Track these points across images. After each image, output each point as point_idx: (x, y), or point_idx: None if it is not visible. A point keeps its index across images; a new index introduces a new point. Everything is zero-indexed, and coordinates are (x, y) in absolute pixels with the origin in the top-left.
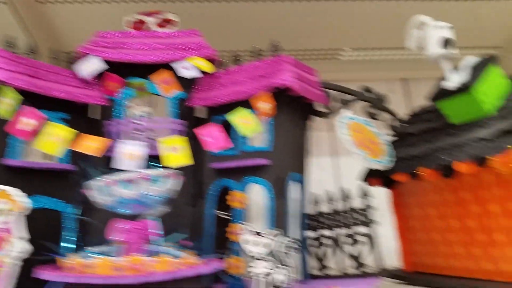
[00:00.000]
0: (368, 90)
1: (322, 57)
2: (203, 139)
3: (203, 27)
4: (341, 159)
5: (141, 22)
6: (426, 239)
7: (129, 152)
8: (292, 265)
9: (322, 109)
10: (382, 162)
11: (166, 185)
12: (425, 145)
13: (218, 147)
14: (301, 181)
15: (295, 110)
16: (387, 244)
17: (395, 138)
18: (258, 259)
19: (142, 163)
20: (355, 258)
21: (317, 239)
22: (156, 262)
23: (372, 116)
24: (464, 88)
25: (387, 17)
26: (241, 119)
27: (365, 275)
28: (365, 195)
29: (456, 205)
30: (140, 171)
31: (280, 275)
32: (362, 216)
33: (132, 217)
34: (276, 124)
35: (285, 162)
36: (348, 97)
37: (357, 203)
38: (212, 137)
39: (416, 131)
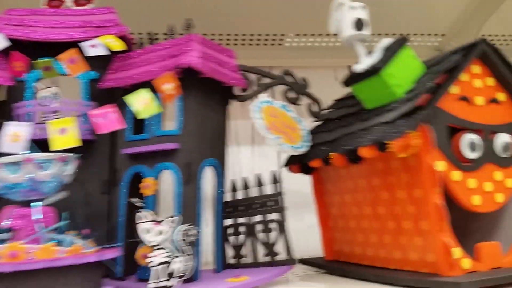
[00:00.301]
0: (289, 74)
1: (266, 42)
2: (95, 121)
3: (124, 6)
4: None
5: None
6: (344, 227)
7: (13, 134)
8: (191, 253)
9: (240, 93)
10: (297, 147)
11: (57, 169)
12: (340, 130)
13: (109, 129)
14: (218, 167)
15: (210, 93)
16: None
17: (317, 124)
18: (155, 247)
19: (28, 145)
20: (267, 246)
21: (234, 227)
22: (37, 250)
23: (292, 101)
24: (373, 71)
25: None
26: (138, 100)
27: (277, 263)
28: (276, 181)
29: (368, 191)
30: (25, 154)
31: (177, 264)
32: (272, 203)
33: (25, 203)
34: (186, 107)
35: (196, 147)
36: (268, 80)
37: (273, 189)
38: (104, 118)
39: (335, 117)
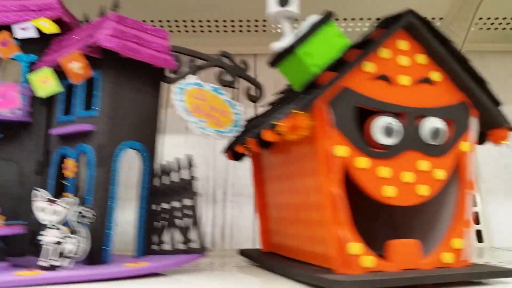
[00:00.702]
0: (225, 55)
1: (249, 29)
2: None
3: None
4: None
5: None
6: (276, 216)
7: None
8: (85, 235)
9: (170, 75)
10: (224, 132)
11: None
12: (269, 115)
13: (6, 108)
14: (144, 151)
15: (134, 75)
16: None
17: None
18: (49, 227)
19: None
20: (183, 233)
21: (156, 213)
22: None
23: (226, 84)
24: (289, 50)
25: None
26: (40, 79)
27: (189, 251)
28: (190, 166)
29: (286, 179)
30: None
31: (69, 244)
32: (187, 189)
33: None
34: (104, 88)
35: (110, 129)
36: (200, 62)
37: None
38: (3, 97)
39: (273, 101)
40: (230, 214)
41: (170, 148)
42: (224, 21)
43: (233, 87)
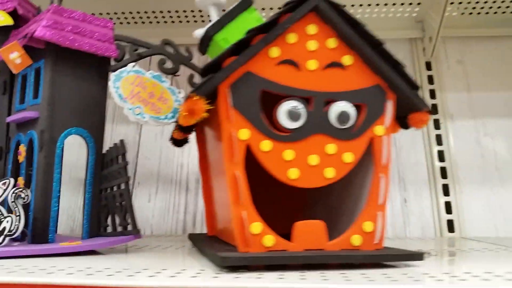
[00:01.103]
0: (168, 43)
1: None
2: None
3: None
4: None
5: None
6: (216, 200)
7: None
8: (21, 214)
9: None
10: (162, 119)
11: None
12: None
13: None
14: (89, 138)
15: (79, 64)
16: None
17: None
18: None
19: None
20: (119, 216)
21: (101, 196)
22: None
23: (167, 72)
24: (207, 36)
25: None
26: None
27: (124, 233)
28: (122, 150)
29: (216, 163)
30: None
31: (6, 223)
32: (121, 173)
33: None
34: (46, 76)
35: (56, 115)
36: (143, 50)
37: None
38: None
39: None
40: (202, 201)
41: (147, 138)
42: (169, 11)
43: (176, 75)
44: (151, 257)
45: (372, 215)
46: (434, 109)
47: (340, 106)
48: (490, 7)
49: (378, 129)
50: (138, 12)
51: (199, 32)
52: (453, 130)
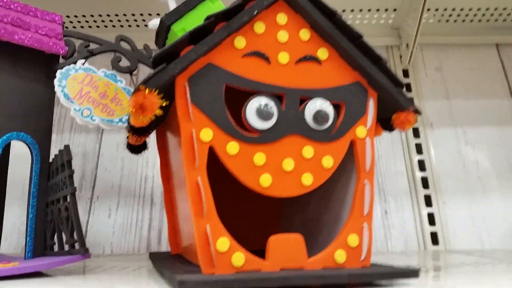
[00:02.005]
0: (124, 39)
1: None
2: None
3: None
4: None
5: None
6: (178, 214)
7: None
8: None
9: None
10: (114, 121)
11: None
12: None
13: None
14: (33, 144)
15: (21, 62)
16: None
17: None
18: None
19: None
20: (66, 233)
21: (47, 212)
22: None
23: (122, 70)
24: (164, 25)
25: None
26: None
27: (73, 252)
28: (68, 161)
29: (177, 170)
30: None
31: None
32: (65, 184)
33: None
34: None
35: None
36: (95, 47)
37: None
38: None
39: None
40: None
41: (108, 148)
42: (125, 14)
43: (132, 74)
44: (100, 280)
45: (357, 227)
46: None
47: (317, 104)
48: (466, 15)
49: (360, 130)
50: (92, 16)
51: (154, 22)
52: (433, 139)
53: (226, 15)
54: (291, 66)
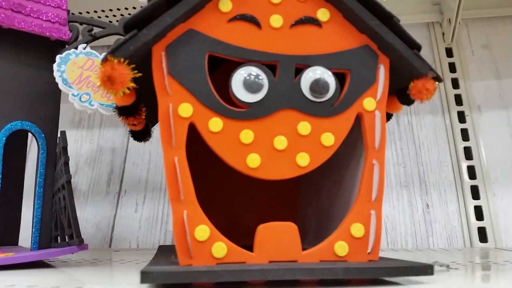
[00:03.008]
0: None
1: None
2: None
3: None
4: None
5: None
6: None
7: None
8: None
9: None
10: (112, 106)
11: None
12: None
13: None
14: (39, 133)
15: (23, 48)
16: None
17: None
18: None
19: None
20: (65, 223)
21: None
22: None
23: None
24: None
25: None
26: None
27: (70, 243)
28: (63, 147)
29: None
30: None
31: None
32: (62, 171)
33: None
34: None
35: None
36: (98, 30)
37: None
38: None
39: None
40: None
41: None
42: (134, 7)
43: None
44: (91, 272)
45: (363, 215)
46: (458, 101)
47: (316, 73)
48: None
49: (368, 102)
50: (96, 11)
51: None
52: (481, 123)
53: None
54: (285, 30)
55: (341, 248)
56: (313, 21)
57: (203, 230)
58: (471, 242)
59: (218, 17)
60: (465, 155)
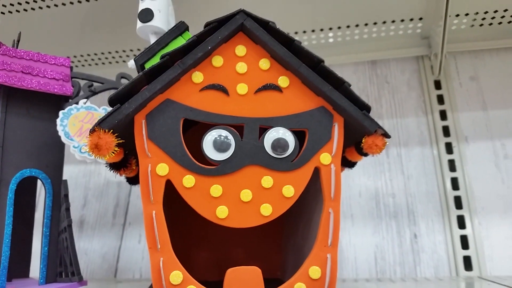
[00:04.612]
0: (124, 77)
1: None
2: None
3: None
4: None
5: None
6: None
7: None
8: None
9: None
10: None
11: None
12: None
13: None
14: (46, 179)
15: (30, 104)
16: None
17: None
18: None
19: None
20: (67, 260)
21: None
22: None
23: None
24: (138, 64)
25: None
26: None
27: (72, 279)
28: (65, 195)
29: None
30: None
31: None
32: (64, 215)
33: None
34: None
35: (10, 158)
36: (98, 85)
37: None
38: None
39: None
40: None
41: None
42: (124, 51)
43: None
44: None
45: (320, 259)
46: (445, 132)
47: (276, 133)
48: (502, 16)
49: (325, 157)
50: (96, 54)
51: (132, 62)
52: (468, 154)
53: (182, 52)
54: (250, 96)
55: None
56: (275, 87)
57: (177, 275)
58: (457, 270)
59: (191, 87)
60: (452, 185)
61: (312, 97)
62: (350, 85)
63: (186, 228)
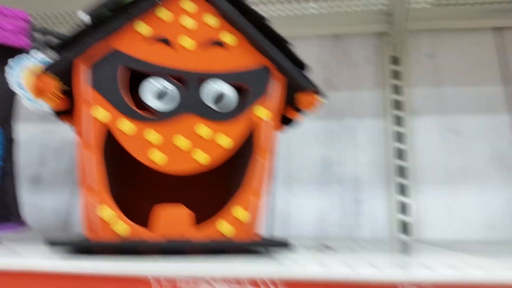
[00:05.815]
0: None
1: None
2: None
3: None
4: None
5: None
6: None
7: None
8: None
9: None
10: None
11: None
12: None
13: None
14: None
15: None
16: None
17: None
18: None
19: None
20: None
21: None
22: None
23: None
24: None
25: None
26: None
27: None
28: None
29: None
30: None
31: None
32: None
33: None
34: None
35: None
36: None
37: None
38: None
39: None
40: None
41: None
42: None
43: None
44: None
45: (244, 201)
46: (399, 106)
47: (217, 86)
48: None
49: (258, 110)
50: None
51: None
52: (418, 128)
53: (131, 4)
54: (194, 51)
55: (224, 227)
56: (220, 44)
57: (108, 213)
58: (396, 234)
59: (136, 38)
60: (399, 156)
61: (256, 56)
62: (291, 45)
63: (128, 181)
